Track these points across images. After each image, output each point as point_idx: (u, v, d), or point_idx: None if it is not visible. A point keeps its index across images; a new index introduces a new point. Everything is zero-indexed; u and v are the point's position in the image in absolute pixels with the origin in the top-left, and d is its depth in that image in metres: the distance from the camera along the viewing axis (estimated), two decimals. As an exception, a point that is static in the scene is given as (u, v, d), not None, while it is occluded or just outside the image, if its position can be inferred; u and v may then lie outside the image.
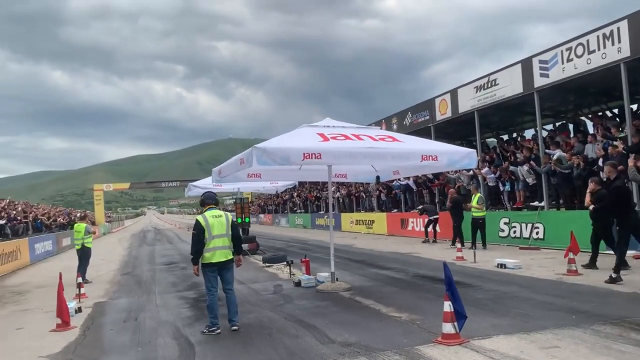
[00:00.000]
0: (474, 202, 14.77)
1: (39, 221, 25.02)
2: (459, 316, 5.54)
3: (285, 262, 13.24)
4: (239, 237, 6.93)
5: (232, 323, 6.70)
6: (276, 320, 7.12)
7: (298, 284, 9.91)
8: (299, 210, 39.74)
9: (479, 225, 14.60)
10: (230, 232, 6.79)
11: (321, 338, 6.03)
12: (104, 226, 50.13)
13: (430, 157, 7.81)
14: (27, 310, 9.41)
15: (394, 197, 24.04)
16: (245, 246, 17.49)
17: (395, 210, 23.61)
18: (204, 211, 6.91)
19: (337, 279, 9.48)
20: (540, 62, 14.51)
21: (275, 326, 6.78)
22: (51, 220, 28.58)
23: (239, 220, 18.21)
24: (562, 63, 13.73)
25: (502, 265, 10.71)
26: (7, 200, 25.02)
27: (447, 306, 5.49)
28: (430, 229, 18.15)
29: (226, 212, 7.04)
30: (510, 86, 15.82)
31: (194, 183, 18.11)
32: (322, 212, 33.94)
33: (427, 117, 20.22)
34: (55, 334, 7.17)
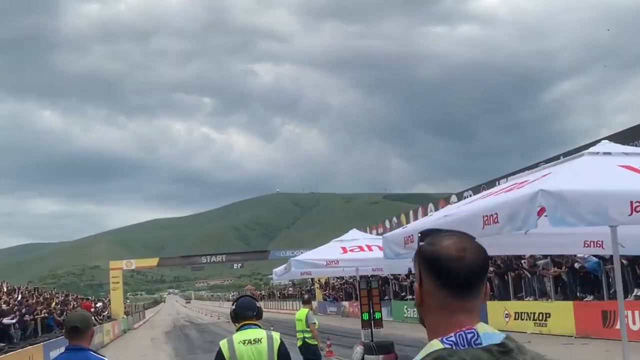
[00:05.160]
0: None
1: (50, 317, 24.32)
2: None
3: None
4: None
5: None
6: None
7: None
8: (408, 296, 36.73)
9: None
10: None
11: None
12: (123, 321, 43.74)
13: None
14: None
15: (584, 275, 21.69)
16: (379, 358, 15.31)
17: (589, 297, 21.03)
18: (237, 329, 5.87)
19: None
20: None
21: None
22: (65, 313, 27.91)
23: (365, 317, 15.44)
24: None
25: None
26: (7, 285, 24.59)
27: None
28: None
29: (271, 334, 5.77)
30: None
31: (298, 258, 15.20)
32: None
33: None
34: None
